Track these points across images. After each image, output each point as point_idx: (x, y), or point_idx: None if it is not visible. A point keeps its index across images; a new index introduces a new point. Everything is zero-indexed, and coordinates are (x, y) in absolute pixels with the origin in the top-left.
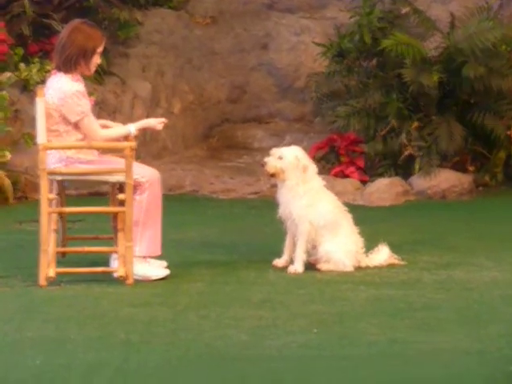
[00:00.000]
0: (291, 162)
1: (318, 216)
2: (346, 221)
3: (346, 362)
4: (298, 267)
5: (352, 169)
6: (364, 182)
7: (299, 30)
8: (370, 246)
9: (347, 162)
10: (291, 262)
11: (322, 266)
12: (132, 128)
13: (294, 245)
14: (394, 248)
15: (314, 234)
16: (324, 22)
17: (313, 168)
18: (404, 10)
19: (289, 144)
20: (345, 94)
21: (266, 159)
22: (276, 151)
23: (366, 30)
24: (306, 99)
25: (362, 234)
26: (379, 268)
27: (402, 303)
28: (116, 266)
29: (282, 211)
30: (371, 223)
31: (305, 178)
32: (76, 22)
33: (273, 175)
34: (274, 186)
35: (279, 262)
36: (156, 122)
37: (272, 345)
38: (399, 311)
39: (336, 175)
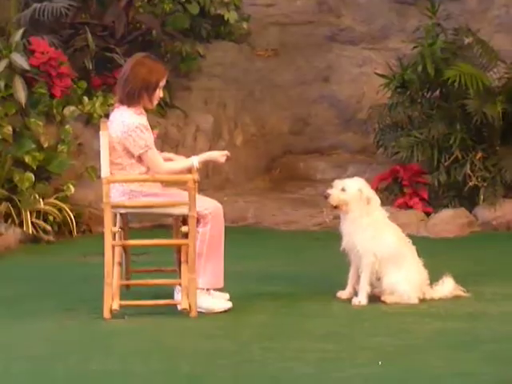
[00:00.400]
0: (354, 194)
1: (382, 248)
2: (410, 253)
3: None
4: (362, 299)
5: (416, 200)
6: (428, 214)
7: (361, 61)
8: (434, 277)
9: (411, 193)
10: (355, 293)
11: (387, 298)
12: (195, 161)
13: (358, 277)
14: (459, 280)
15: (378, 266)
16: (386, 53)
17: (376, 200)
18: (467, 41)
19: (352, 175)
20: (408, 125)
21: (329, 191)
22: (339, 183)
23: (428, 60)
24: (369, 130)
25: (426, 265)
26: (444, 300)
27: (467, 336)
28: (180, 299)
29: (346, 243)
30: (435, 255)
31: (368, 210)
32: (138, 55)
33: (336, 207)
34: (337, 217)
35: (343, 294)
36: (219, 155)
37: (337, 377)
38: (465, 344)
39: (400, 207)
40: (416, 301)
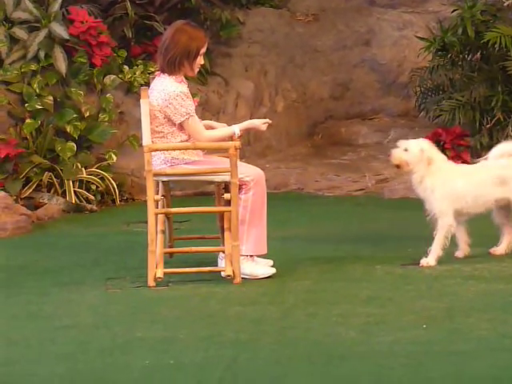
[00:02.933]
0: (416, 154)
1: (462, 199)
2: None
3: (457, 357)
4: (430, 260)
5: (458, 163)
6: None
7: (402, 24)
8: (478, 239)
9: (453, 156)
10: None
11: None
12: (236, 129)
13: (467, 234)
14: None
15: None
16: (426, 16)
17: (439, 159)
18: (507, 3)
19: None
20: (449, 87)
21: (393, 150)
22: (403, 143)
23: (469, 23)
24: (410, 94)
25: (472, 228)
26: (488, 262)
27: None
28: (223, 266)
29: (427, 207)
30: (482, 217)
31: (429, 170)
32: (179, 23)
33: (398, 166)
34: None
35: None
36: (260, 123)
37: (381, 341)
38: (510, 305)
39: None
40: None
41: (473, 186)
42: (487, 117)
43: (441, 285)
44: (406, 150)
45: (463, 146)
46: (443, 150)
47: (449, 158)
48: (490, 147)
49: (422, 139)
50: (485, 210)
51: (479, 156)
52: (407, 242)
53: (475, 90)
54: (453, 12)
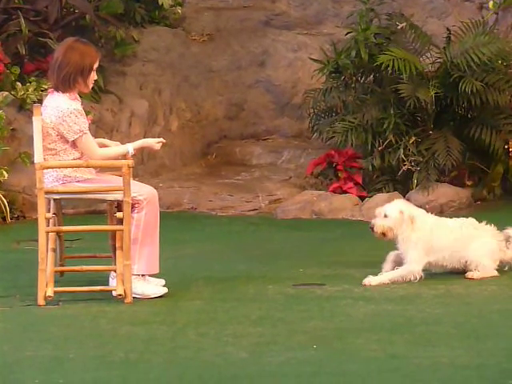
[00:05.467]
0: (397, 217)
1: (437, 253)
2: (478, 233)
3: (346, 377)
4: (372, 280)
5: (350, 184)
6: (362, 198)
7: (296, 46)
8: (368, 260)
9: (345, 178)
10: None
11: (473, 275)
12: (130, 147)
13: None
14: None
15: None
16: (321, 38)
17: (419, 214)
18: (400, 26)
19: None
20: (342, 109)
21: (373, 221)
22: (380, 210)
23: (362, 45)
24: (304, 115)
25: (361, 249)
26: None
27: (400, 318)
28: (115, 285)
29: (403, 258)
30: (370, 238)
31: (414, 227)
32: (69, 40)
33: (384, 234)
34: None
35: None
36: (154, 142)
37: (272, 362)
38: (398, 326)
39: (334, 191)
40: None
41: (451, 241)
42: (379, 139)
43: (331, 305)
44: (385, 216)
45: (355, 168)
46: (336, 172)
47: (341, 179)
48: (381, 169)
49: (396, 200)
50: (460, 265)
51: (371, 178)
52: (299, 263)
53: (368, 113)
54: (347, 34)
